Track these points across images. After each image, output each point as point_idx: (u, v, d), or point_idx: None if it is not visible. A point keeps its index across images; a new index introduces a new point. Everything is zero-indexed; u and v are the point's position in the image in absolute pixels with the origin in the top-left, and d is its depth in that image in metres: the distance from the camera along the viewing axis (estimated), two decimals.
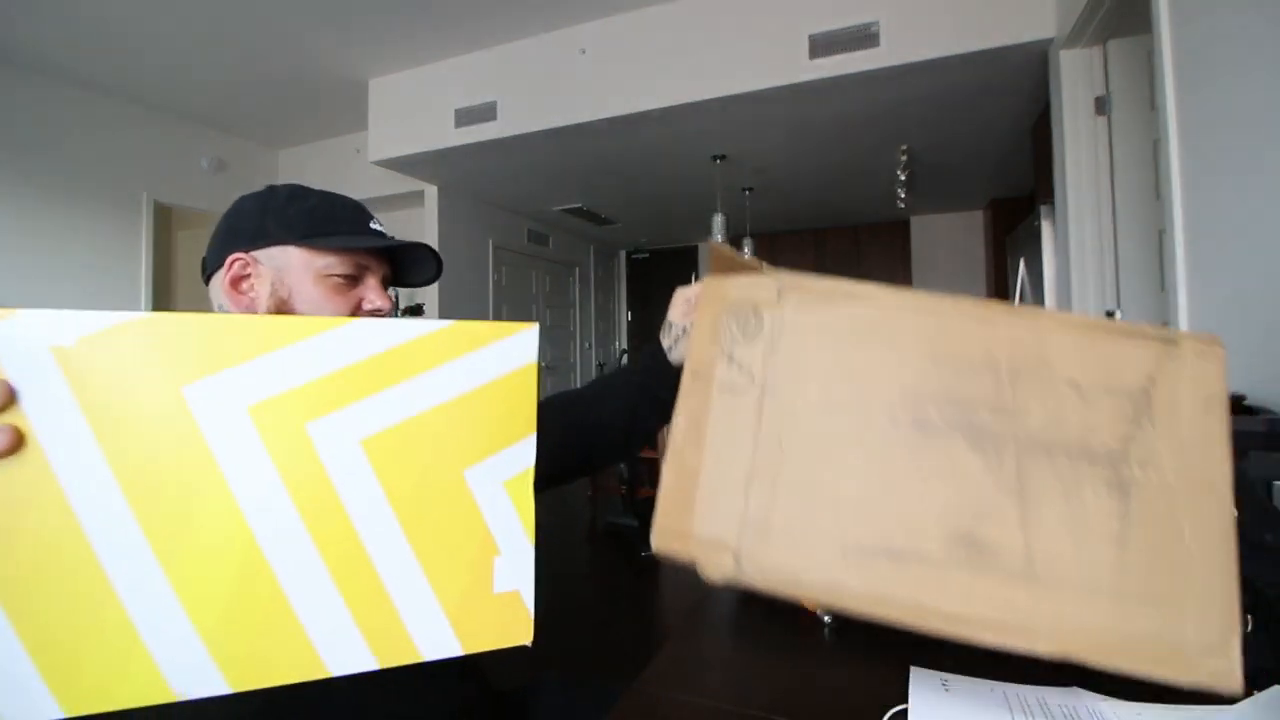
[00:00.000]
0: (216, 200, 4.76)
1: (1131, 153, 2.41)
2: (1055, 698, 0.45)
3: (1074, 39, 2.46)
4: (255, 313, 0.65)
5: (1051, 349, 0.38)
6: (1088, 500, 0.37)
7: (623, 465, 3.84)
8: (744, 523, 0.37)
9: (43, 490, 0.29)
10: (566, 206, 5.57)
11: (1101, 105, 2.48)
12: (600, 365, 7.15)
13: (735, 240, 5.23)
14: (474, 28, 3.50)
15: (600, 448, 0.80)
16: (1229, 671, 0.36)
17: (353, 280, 0.69)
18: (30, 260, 3.68)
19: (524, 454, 0.39)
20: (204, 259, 0.70)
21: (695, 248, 7.29)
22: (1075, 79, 2.55)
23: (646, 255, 7.65)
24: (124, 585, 0.30)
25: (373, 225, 0.72)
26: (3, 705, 0.28)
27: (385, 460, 0.36)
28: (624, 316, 7.76)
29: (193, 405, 0.32)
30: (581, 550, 3.45)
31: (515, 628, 0.37)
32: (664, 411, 0.77)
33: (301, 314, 0.65)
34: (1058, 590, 0.35)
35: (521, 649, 0.41)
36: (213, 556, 0.32)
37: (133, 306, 4.19)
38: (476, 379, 0.38)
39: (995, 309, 0.39)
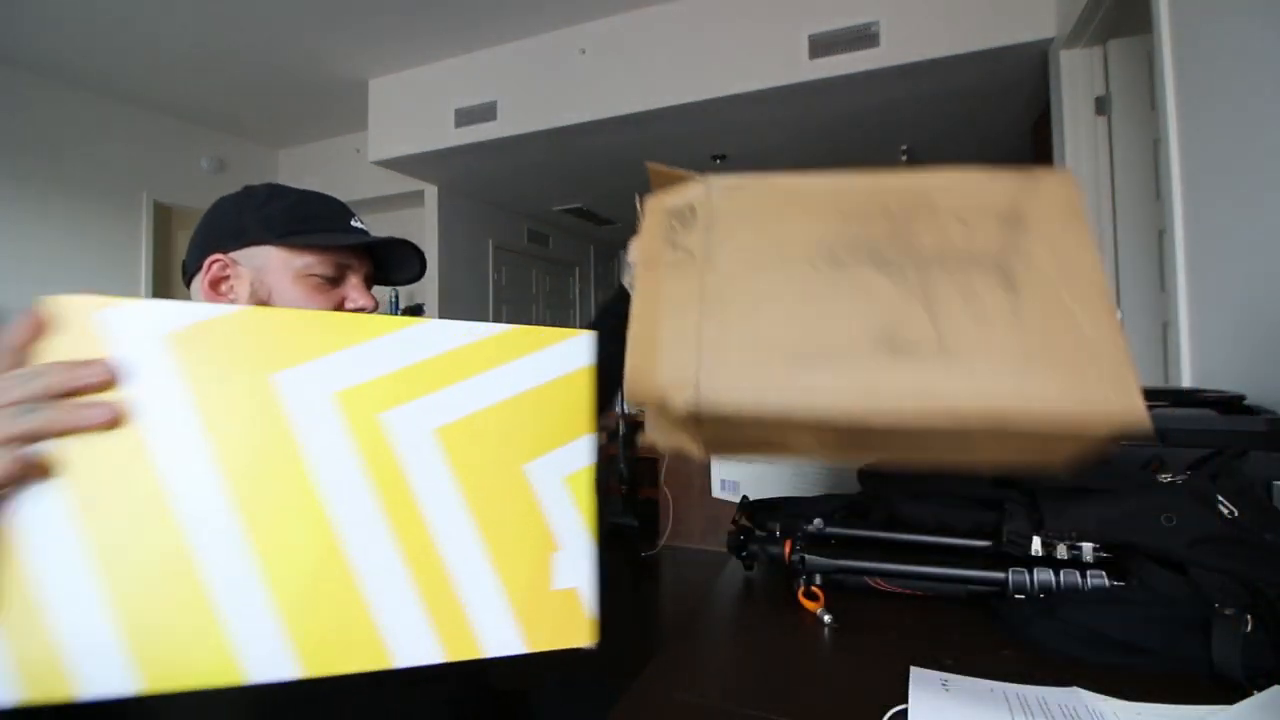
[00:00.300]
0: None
1: (1131, 153, 2.41)
2: (1055, 697, 0.45)
3: (1074, 39, 2.46)
4: None
5: (932, 193, 0.47)
6: (983, 294, 0.43)
7: (623, 465, 3.84)
8: (699, 361, 0.41)
9: (137, 466, 0.31)
10: (566, 206, 5.57)
11: (1101, 105, 2.48)
12: None
13: None
14: (474, 28, 3.50)
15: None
16: (1139, 410, 0.38)
17: (334, 280, 0.67)
18: (30, 260, 3.68)
19: (582, 451, 0.41)
20: (183, 262, 0.69)
21: None
22: (1075, 79, 2.55)
23: None
24: (208, 564, 0.31)
25: (354, 223, 0.70)
26: (86, 674, 0.28)
27: (455, 450, 0.37)
28: None
29: (279, 391, 0.34)
30: None
31: (575, 627, 0.37)
32: None
33: None
34: (970, 364, 0.40)
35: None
36: (293, 540, 0.33)
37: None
38: (537, 378, 0.41)
39: (882, 174, 0.48)
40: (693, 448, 0.45)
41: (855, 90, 3.14)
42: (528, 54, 3.63)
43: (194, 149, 4.58)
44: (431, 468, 0.36)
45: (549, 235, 6.26)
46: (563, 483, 0.40)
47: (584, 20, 3.46)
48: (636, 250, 0.52)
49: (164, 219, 4.79)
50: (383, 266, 0.74)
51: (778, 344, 0.41)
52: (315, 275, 0.66)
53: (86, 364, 0.31)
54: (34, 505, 0.29)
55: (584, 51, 3.48)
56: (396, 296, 5.23)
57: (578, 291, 6.82)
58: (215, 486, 0.32)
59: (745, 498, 0.98)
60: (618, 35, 3.41)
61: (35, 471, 0.29)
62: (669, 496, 3.33)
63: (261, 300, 0.64)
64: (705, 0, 3.22)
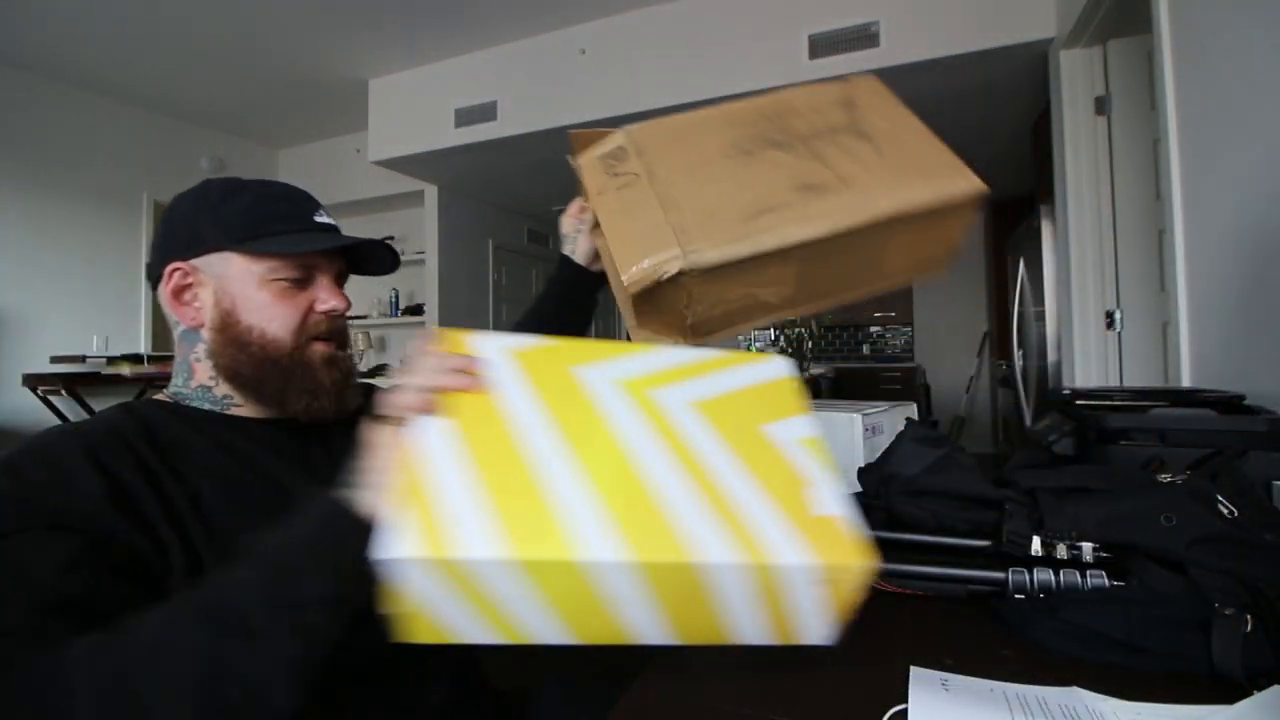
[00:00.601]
0: None
1: (1131, 153, 2.41)
2: (1056, 697, 0.45)
3: (1074, 39, 2.46)
4: (202, 322, 0.62)
5: (789, 100, 0.68)
6: (853, 147, 0.61)
7: None
8: (677, 237, 0.53)
9: (493, 414, 0.46)
10: (566, 206, 5.57)
11: (1101, 105, 2.48)
12: None
13: None
14: (474, 28, 3.50)
15: None
16: (976, 181, 0.58)
17: (301, 282, 0.64)
18: (30, 260, 3.68)
19: (805, 424, 0.50)
20: (148, 264, 0.66)
21: None
22: (1075, 79, 2.55)
23: None
24: (548, 473, 0.43)
25: (318, 218, 0.66)
26: (464, 541, 0.39)
27: (707, 413, 0.49)
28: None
29: (577, 377, 0.50)
30: None
31: (849, 546, 0.42)
32: (586, 312, 0.92)
33: (250, 322, 0.62)
34: (864, 185, 0.57)
35: (520, 650, 0.43)
36: (603, 461, 0.44)
37: (133, 306, 4.20)
38: (753, 379, 0.53)
39: (750, 98, 0.68)
40: (680, 338, 0.57)
41: None
42: (528, 54, 3.63)
43: (194, 149, 4.58)
44: (693, 423, 0.48)
45: (549, 235, 6.26)
46: (797, 443, 0.48)
47: (584, 20, 3.46)
48: (588, 189, 0.62)
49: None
50: (353, 259, 0.71)
51: (730, 211, 0.55)
52: (281, 279, 0.63)
53: (465, 357, 0.50)
54: (428, 429, 0.45)
55: (584, 51, 3.48)
56: (396, 297, 5.23)
57: None
58: (543, 426, 0.46)
59: None
60: (618, 35, 3.41)
61: (432, 408, 0.46)
62: None
63: (225, 310, 0.62)
64: (705, 0, 3.22)
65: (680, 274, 0.52)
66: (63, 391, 3.54)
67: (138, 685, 0.39)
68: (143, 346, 4.18)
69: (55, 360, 3.67)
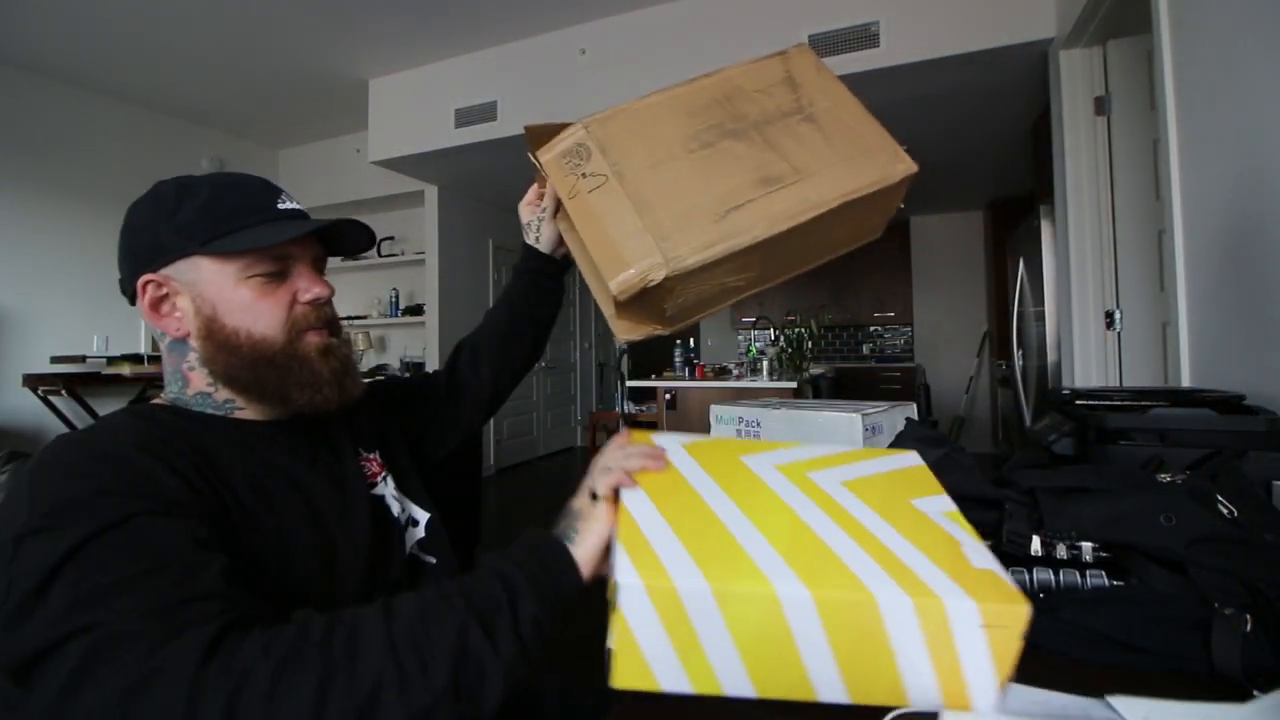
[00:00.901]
0: None
1: (1131, 153, 2.41)
2: (1060, 702, 0.45)
3: (1074, 39, 2.46)
4: (186, 333, 0.61)
5: (735, 81, 0.70)
6: (801, 132, 0.66)
7: None
8: (655, 239, 0.57)
9: (681, 486, 0.55)
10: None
11: (1101, 105, 2.48)
12: (600, 365, 7.15)
13: None
14: (474, 28, 3.50)
15: (518, 356, 0.93)
16: (909, 162, 0.66)
17: (279, 275, 0.62)
18: (30, 260, 3.68)
19: (947, 500, 0.55)
20: (120, 282, 0.63)
21: None
22: (1075, 79, 2.55)
23: None
24: (732, 530, 0.49)
25: (281, 204, 0.63)
26: (677, 581, 0.44)
27: (860, 491, 0.55)
28: None
29: (745, 462, 0.58)
30: None
31: (1009, 594, 0.44)
32: (555, 297, 0.93)
33: (235, 325, 0.60)
34: (817, 175, 0.63)
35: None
36: (777, 524, 0.50)
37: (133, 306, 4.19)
38: (893, 466, 0.59)
39: (698, 79, 0.70)
40: (659, 326, 0.63)
41: (855, 90, 3.14)
42: (528, 54, 3.63)
43: (194, 149, 4.58)
44: (848, 498, 0.54)
45: None
46: (944, 515, 0.52)
47: (584, 20, 3.46)
48: (558, 192, 0.65)
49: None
50: (329, 241, 0.68)
51: (701, 211, 0.59)
52: (257, 275, 0.60)
53: (650, 446, 0.59)
54: (632, 497, 0.52)
55: (584, 51, 3.48)
56: (396, 297, 5.23)
57: (578, 291, 6.82)
58: (721, 494, 0.53)
59: None
60: (618, 35, 3.41)
61: (630, 482, 0.54)
62: None
63: (207, 316, 0.60)
64: (705, 0, 3.22)
65: (666, 279, 0.57)
66: (63, 391, 3.54)
67: (419, 638, 0.45)
68: (143, 346, 4.18)
69: (55, 360, 3.67)
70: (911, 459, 0.60)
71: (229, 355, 0.60)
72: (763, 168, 0.62)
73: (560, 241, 0.87)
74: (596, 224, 0.60)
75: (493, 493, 4.73)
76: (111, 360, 3.77)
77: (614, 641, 0.45)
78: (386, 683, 0.42)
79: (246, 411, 0.64)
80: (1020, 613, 0.42)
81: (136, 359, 3.85)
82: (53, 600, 0.42)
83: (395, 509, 0.71)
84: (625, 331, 0.64)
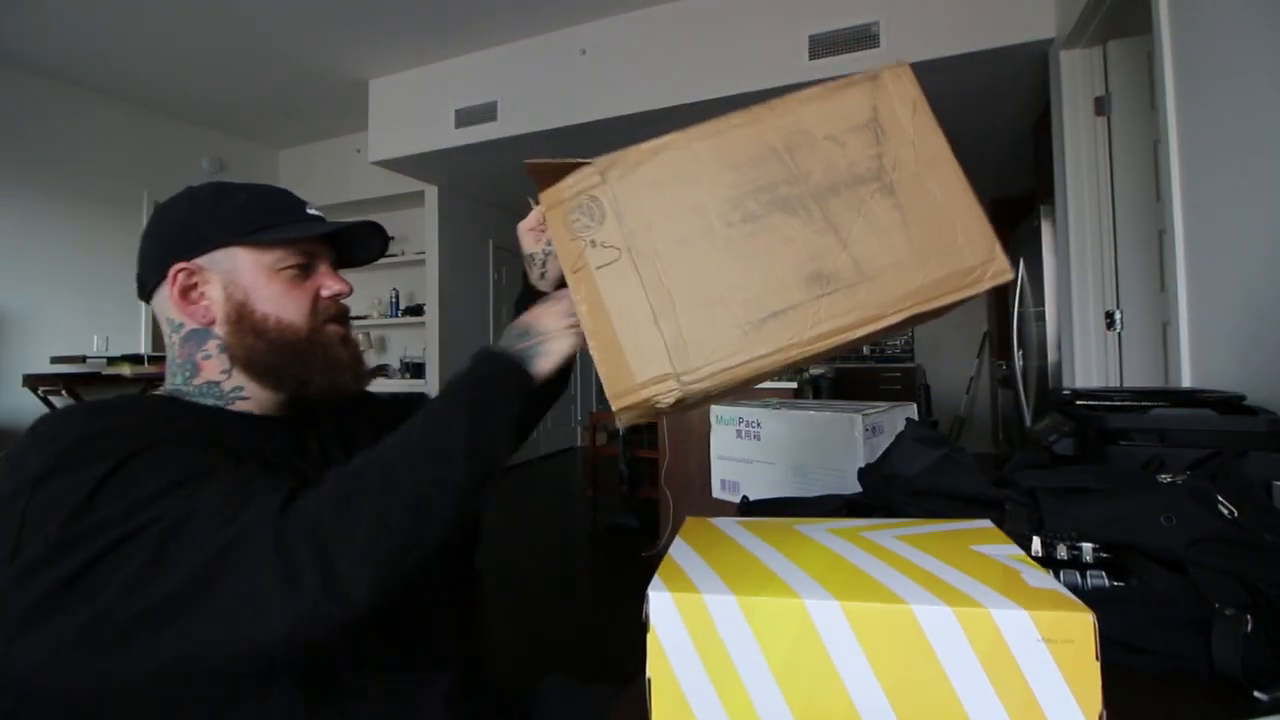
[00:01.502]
0: None
1: (1131, 153, 2.41)
2: None
3: (1074, 39, 2.46)
4: (212, 319, 0.64)
5: (805, 121, 0.53)
6: (874, 209, 0.50)
7: (623, 465, 3.83)
8: (669, 351, 0.47)
9: (726, 540, 0.52)
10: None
11: (1101, 105, 2.48)
12: None
13: None
14: (474, 28, 3.50)
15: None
16: (1004, 266, 0.50)
17: (306, 269, 0.67)
18: (30, 260, 3.68)
19: (1012, 548, 0.51)
20: (138, 276, 0.67)
21: None
22: (1075, 79, 2.55)
23: None
24: (770, 565, 0.46)
25: (309, 210, 0.70)
26: (711, 589, 0.43)
27: (916, 543, 0.50)
28: None
29: (795, 528, 0.55)
30: (582, 550, 3.46)
31: (1074, 603, 0.40)
32: (526, 428, 0.86)
33: (265, 311, 0.64)
34: (883, 277, 0.49)
35: (521, 650, 0.43)
36: (818, 563, 0.47)
37: (133, 306, 4.20)
38: (962, 526, 0.55)
39: (757, 111, 0.53)
40: (655, 417, 0.53)
41: None
42: (528, 54, 3.63)
43: (194, 149, 4.58)
44: (904, 548, 0.49)
45: None
46: (1009, 556, 0.48)
47: (584, 20, 3.46)
48: (561, 258, 0.54)
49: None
50: (343, 249, 0.74)
51: (731, 320, 0.48)
52: (289, 267, 0.66)
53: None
54: (676, 548, 0.51)
55: (584, 51, 3.48)
56: (396, 297, 5.23)
57: None
58: (765, 545, 0.50)
59: (745, 498, 0.98)
60: (618, 35, 3.41)
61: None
62: (669, 496, 3.32)
63: (238, 302, 0.64)
64: (705, 0, 3.22)
65: (678, 402, 0.48)
66: (63, 392, 3.54)
67: (434, 430, 0.54)
68: (143, 346, 4.18)
69: (55, 360, 3.67)
70: (982, 522, 0.56)
71: (256, 339, 0.64)
72: (817, 258, 0.49)
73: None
74: (601, 315, 0.50)
75: None
76: (111, 360, 3.77)
77: (650, 668, 0.43)
78: (423, 482, 0.51)
79: (248, 404, 0.66)
80: (1083, 622, 0.37)
81: (136, 359, 3.85)
82: (101, 511, 0.45)
83: None
84: (629, 419, 0.52)
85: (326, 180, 5.05)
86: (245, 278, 0.64)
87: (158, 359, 3.96)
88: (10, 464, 0.49)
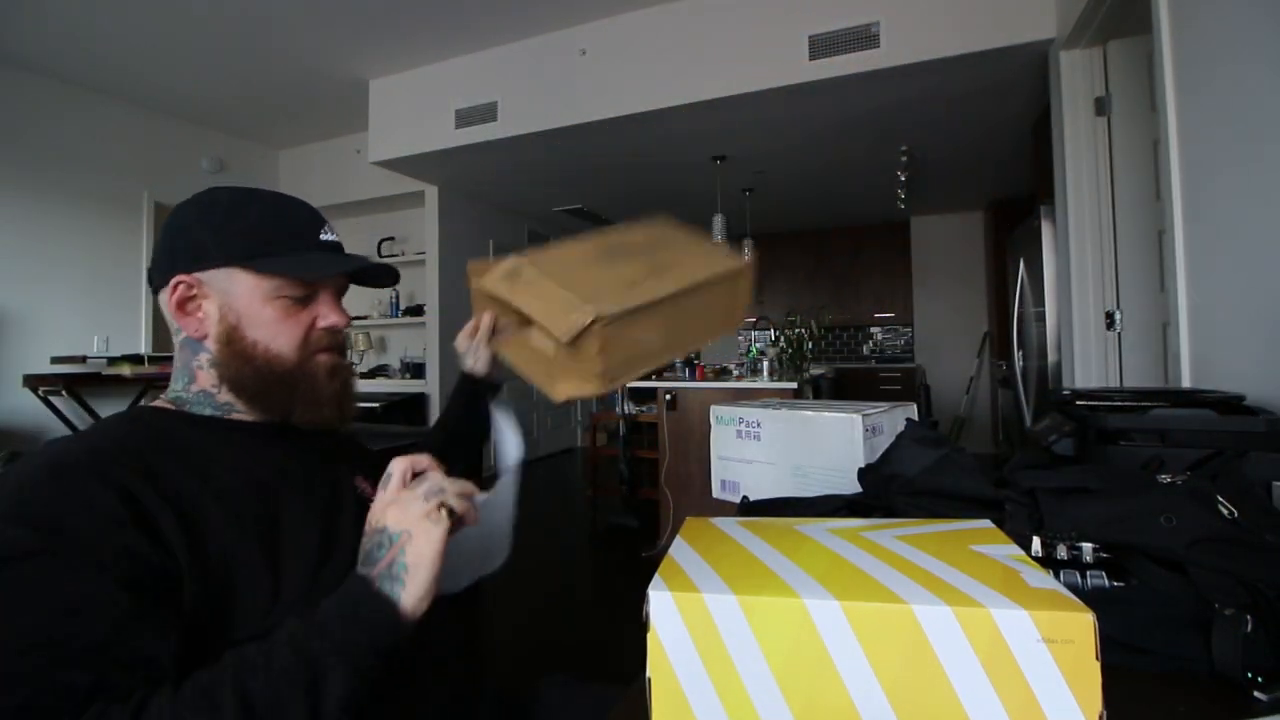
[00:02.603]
0: None
1: (1131, 153, 2.41)
2: None
3: (1074, 39, 2.47)
4: (205, 334, 0.64)
5: (618, 238, 0.90)
6: (669, 251, 0.87)
7: (623, 465, 3.83)
8: (586, 305, 0.68)
9: (726, 539, 0.55)
10: (566, 207, 5.58)
11: (1101, 105, 2.48)
12: None
13: (736, 240, 5.23)
14: (474, 28, 3.50)
15: (456, 472, 0.81)
16: (744, 260, 0.87)
17: (304, 299, 0.66)
18: (30, 260, 3.68)
19: (1012, 548, 0.51)
20: (149, 270, 0.68)
21: None
22: (1075, 79, 2.55)
23: None
24: (768, 563, 0.48)
25: (323, 235, 0.68)
26: (711, 589, 0.43)
27: (914, 542, 0.52)
28: None
29: (798, 528, 0.57)
30: (582, 550, 3.46)
31: (1073, 604, 0.40)
32: (486, 425, 0.97)
33: (255, 337, 0.64)
34: (685, 267, 0.83)
35: (521, 650, 0.43)
36: (817, 562, 0.48)
37: (133, 306, 4.20)
38: (961, 527, 0.57)
39: (593, 238, 0.88)
40: (593, 386, 0.71)
41: (855, 91, 3.14)
42: (528, 54, 3.63)
43: (194, 149, 4.58)
44: (903, 547, 0.51)
45: (549, 235, 6.26)
46: (1009, 556, 0.49)
47: (584, 20, 3.46)
48: (500, 293, 0.77)
49: (164, 219, 4.79)
50: (356, 275, 0.72)
51: (610, 287, 0.73)
52: (286, 297, 0.64)
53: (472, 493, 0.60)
54: (677, 548, 0.53)
55: (584, 51, 3.48)
56: (396, 297, 5.23)
57: None
58: (762, 543, 0.53)
59: (745, 498, 0.98)
60: (618, 35, 3.41)
61: (460, 517, 0.57)
62: (669, 496, 3.32)
63: (230, 324, 0.63)
64: (705, 0, 3.22)
65: (594, 321, 0.66)
66: (63, 392, 3.54)
67: None
68: (143, 347, 4.18)
69: (55, 360, 3.67)
70: (983, 522, 0.57)
71: (242, 364, 0.64)
72: (649, 266, 0.80)
73: (494, 364, 0.96)
74: (536, 302, 0.74)
75: None
76: (112, 360, 3.77)
77: (651, 668, 0.43)
78: None
79: (243, 414, 0.67)
80: (1083, 622, 0.38)
81: (137, 359, 3.85)
82: None
83: None
84: (563, 393, 0.74)
85: (326, 180, 5.05)
86: (240, 302, 0.63)
87: (158, 359, 3.96)
88: None
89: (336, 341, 0.70)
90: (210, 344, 0.64)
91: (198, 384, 0.66)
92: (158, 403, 0.67)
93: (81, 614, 0.46)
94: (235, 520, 0.57)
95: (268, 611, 0.54)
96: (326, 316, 0.68)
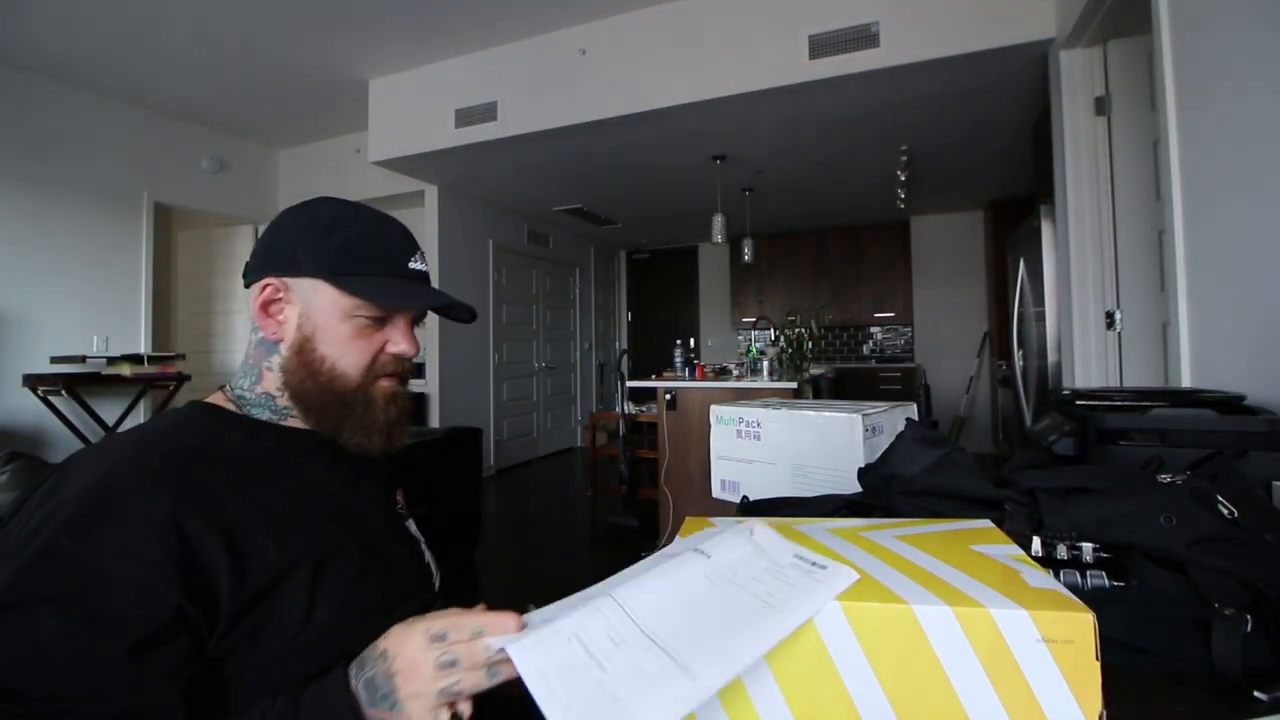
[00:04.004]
0: (216, 200, 4.76)
1: (1131, 153, 2.41)
2: None
3: (1074, 39, 2.46)
4: (282, 338, 0.66)
5: None
6: None
7: (623, 465, 3.84)
8: None
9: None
10: (566, 206, 5.58)
11: (1101, 105, 2.48)
12: (600, 365, 7.15)
13: (735, 240, 5.22)
14: (474, 28, 3.50)
15: None
16: None
17: (380, 321, 0.67)
18: (30, 260, 3.68)
19: (1012, 548, 0.52)
20: (247, 264, 0.70)
21: (695, 248, 7.30)
22: (1075, 79, 2.55)
23: (647, 255, 7.65)
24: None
25: (412, 264, 0.69)
26: None
27: (914, 541, 0.52)
28: (624, 316, 7.77)
29: (798, 528, 0.57)
30: (581, 550, 3.46)
31: (1073, 603, 0.40)
32: None
33: (325, 352, 0.65)
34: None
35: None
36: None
37: (133, 306, 4.20)
38: (961, 526, 0.57)
39: None
40: None
41: (855, 90, 3.14)
42: (528, 54, 3.63)
43: (194, 149, 4.58)
44: (903, 547, 0.51)
45: (549, 235, 6.26)
46: (1008, 556, 0.49)
47: (584, 20, 3.46)
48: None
49: (164, 219, 4.79)
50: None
51: None
52: (362, 317, 0.66)
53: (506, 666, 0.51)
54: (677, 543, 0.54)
55: (584, 51, 3.48)
56: None
57: (578, 291, 6.82)
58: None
59: (745, 498, 0.98)
60: (618, 35, 3.41)
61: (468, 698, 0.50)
62: (669, 496, 3.32)
63: (306, 335, 0.66)
64: (705, 0, 3.22)
65: None
66: (63, 392, 3.54)
67: None
68: (143, 347, 4.18)
69: (55, 360, 3.67)
70: (982, 522, 0.58)
71: (307, 376, 0.66)
72: None
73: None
74: None
75: (493, 493, 4.73)
76: (111, 360, 3.77)
77: None
78: None
79: (298, 422, 0.69)
80: (1083, 622, 0.38)
81: (136, 359, 3.85)
82: None
83: (416, 535, 0.78)
84: None
85: (326, 180, 5.05)
86: (319, 314, 0.65)
87: (157, 359, 3.96)
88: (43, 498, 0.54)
89: (402, 368, 0.71)
90: (284, 349, 0.67)
91: (263, 385, 0.68)
92: (214, 398, 0.69)
93: (92, 678, 0.47)
94: (280, 542, 0.57)
95: (295, 635, 0.55)
96: (397, 343, 0.69)
